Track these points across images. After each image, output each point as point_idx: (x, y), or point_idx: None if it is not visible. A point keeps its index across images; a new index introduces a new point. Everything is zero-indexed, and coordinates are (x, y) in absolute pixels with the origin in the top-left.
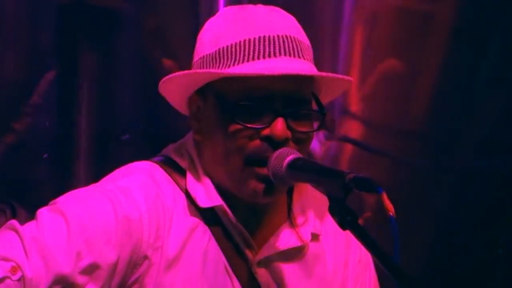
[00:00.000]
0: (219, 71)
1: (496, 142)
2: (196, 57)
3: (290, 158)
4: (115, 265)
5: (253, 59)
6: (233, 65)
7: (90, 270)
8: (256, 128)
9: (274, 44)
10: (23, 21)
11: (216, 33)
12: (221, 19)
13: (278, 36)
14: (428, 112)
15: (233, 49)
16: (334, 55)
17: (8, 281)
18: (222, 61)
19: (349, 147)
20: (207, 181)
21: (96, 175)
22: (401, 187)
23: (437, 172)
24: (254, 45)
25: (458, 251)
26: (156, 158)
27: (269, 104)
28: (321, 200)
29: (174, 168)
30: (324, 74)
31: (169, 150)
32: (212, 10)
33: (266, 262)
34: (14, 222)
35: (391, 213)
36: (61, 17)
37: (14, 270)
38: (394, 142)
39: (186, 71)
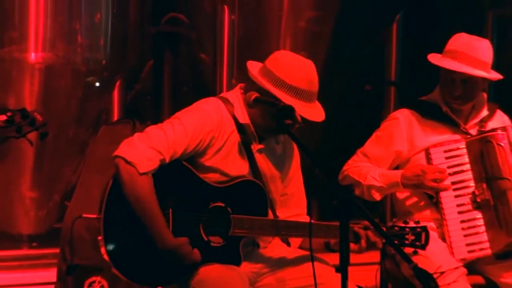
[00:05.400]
0: (286, 99)
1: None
2: (271, 68)
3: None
4: (201, 145)
5: (297, 98)
6: (288, 96)
7: (192, 148)
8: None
9: (308, 94)
10: (137, 34)
11: (290, 71)
12: (294, 66)
13: (312, 91)
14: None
15: (293, 89)
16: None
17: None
18: (284, 89)
19: None
20: (244, 111)
21: (174, 111)
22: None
23: None
24: (301, 91)
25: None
26: (219, 96)
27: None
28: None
29: (228, 102)
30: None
31: (226, 94)
32: (222, 24)
33: (261, 151)
34: (158, 125)
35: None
36: (156, 36)
37: (160, 153)
38: None
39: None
